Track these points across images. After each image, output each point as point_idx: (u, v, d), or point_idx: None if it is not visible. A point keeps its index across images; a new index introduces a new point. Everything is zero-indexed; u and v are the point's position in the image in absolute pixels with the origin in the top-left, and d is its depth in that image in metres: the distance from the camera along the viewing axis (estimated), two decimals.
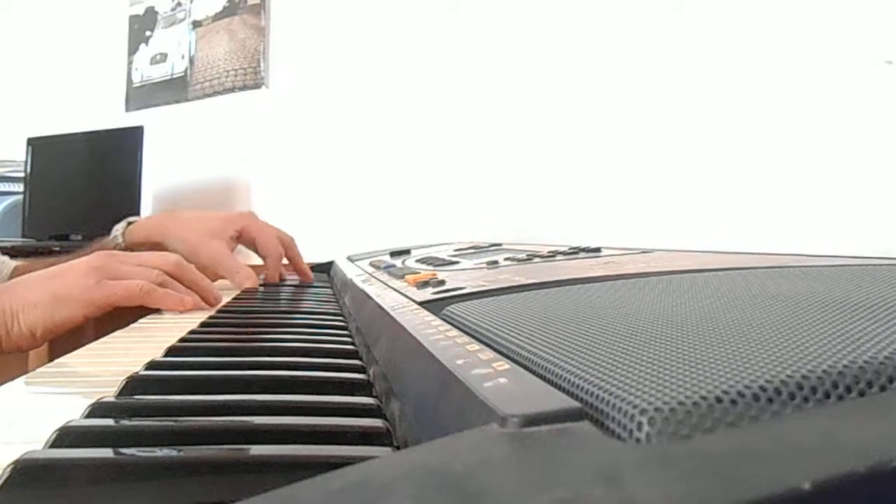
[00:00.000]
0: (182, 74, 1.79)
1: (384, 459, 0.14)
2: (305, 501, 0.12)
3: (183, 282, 0.58)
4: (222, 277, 0.75)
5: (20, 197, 1.83)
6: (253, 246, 0.79)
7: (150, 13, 1.90)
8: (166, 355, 0.35)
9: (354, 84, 1.40)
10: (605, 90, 0.99)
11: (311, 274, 0.84)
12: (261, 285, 0.76)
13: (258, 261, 0.82)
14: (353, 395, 0.28)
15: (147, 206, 1.73)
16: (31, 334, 0.49)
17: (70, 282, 0.51)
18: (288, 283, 0.82)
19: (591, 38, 1.01)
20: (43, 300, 0.49)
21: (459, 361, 0.20)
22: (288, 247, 0.81)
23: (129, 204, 1.60)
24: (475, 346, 0.22)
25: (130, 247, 0.79)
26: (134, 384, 0.28)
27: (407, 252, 0.82)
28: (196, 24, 1.77)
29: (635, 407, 0.13)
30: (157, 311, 0.58)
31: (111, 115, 1.90)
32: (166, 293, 0.54)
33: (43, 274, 0.52)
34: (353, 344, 0.39)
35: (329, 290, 0.75)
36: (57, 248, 1.50)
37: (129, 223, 0.80)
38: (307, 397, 0.27)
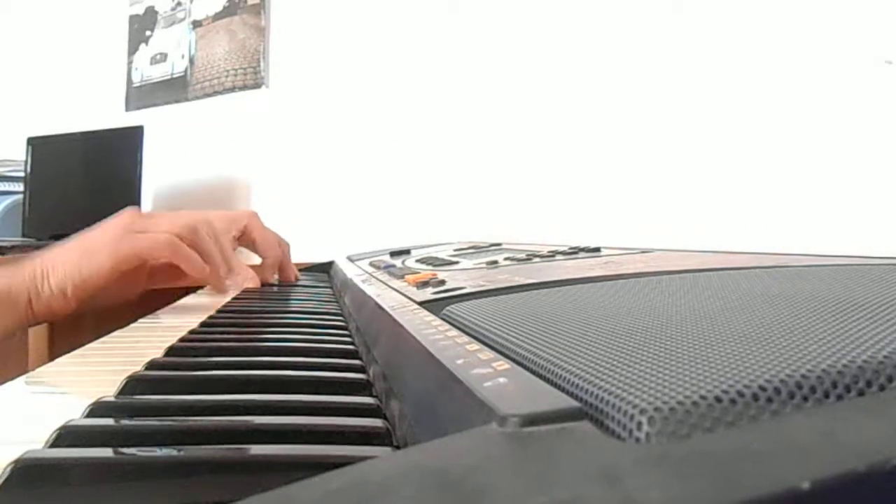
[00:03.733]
0: (182, 74, 1.79)
1: (384, 459, 0.14)
2: (305, 501, 0.12)
3: (199, 248, 0.57)
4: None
5: (20, 197, 1.83)
6: (252, 246, 0.79)
7: (150, 13, 1.90)
8: (166, 355, 0.35)
9: (354, 84, 1.40)
10: (605, 90, 0.99)
11: (297, 275, 0.84)
12: (285, 285, 0.76)
13: (257, 260, 0.82)
14: (352, 394, 0.28)
15: (147, 206, 1.73)
16: (62, 294, 0.49)
17: (97, 236, 0.51)
18: (288, 283, 0.82)
19: (592, 39, 1.01)
20: (71, 257, 0.49)
21: (459, 361, 0.20)
22: (284, 252, 0.82)
23: (129, 204, 1.59)
24: (475, 345, 0.22)
25: None
26: (134, 384, 0.28)
27: (407, 252, 0.82)
28: (196, 24, 1.77)
29: (635, 406, 0.13)
30: (164, 304, 0.58)
31: (111, 115, 1.90)
32: (191, 253, 0.53)
33: (74, 237, 0.53)
34: (352, 344, 0.39)
35: (329, 290, 0.75)
36: None
37: None
38: (307, 397, 0.27)
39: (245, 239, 0.78)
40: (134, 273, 0.53)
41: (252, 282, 0.71)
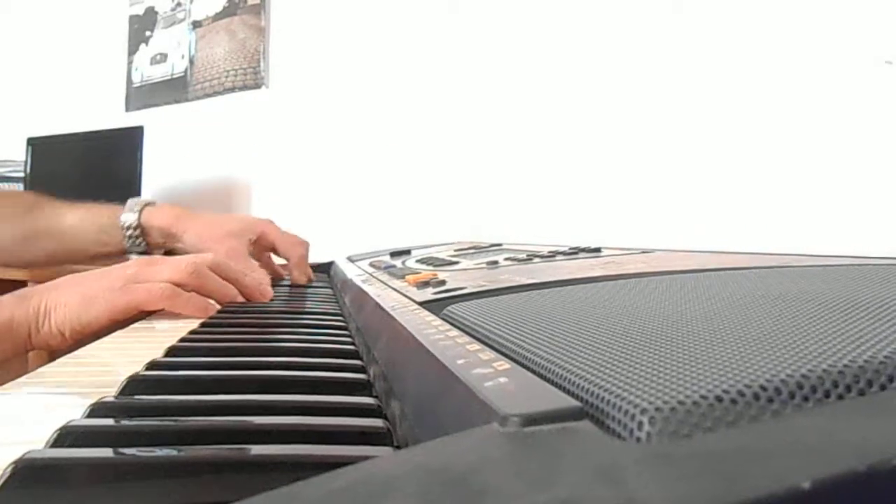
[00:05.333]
0: (182, 74, 1.79)
1: (384, 459, 0.14)
2: (306, 501, 0.12)
3: (224, 278, 0.57)
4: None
5: None
6: (273, 250, 0.80)
7: (150, 13, 1.90)
8: (166, 355, 0.35)
9: (354, 84, 1.40)
10: (605, 90, 0.99)
11: (312, 276, 0.84)
12: (285, 285, 0.76)
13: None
14: (353, 394, 0.28)
15: None
16: (60, 333, 0.50)
17: (98, 284, 0.51)
18: (288, 283, 0.82)
19: (592, 39, 1.01)
20: (73, 301, 0.50)
21: (460, 361, 0.20)
22: (304, 252, 0.82)
23: None
24: (475, 345, 0.22)
25: (144, 226, 0.79)
26: (134, 384, 0.28)
27: (407, 252, 0.82)
28: (196, 25, 1.77)
29: (636, 406, 0.13)
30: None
31: (111, 115, 1.90)
32: (190, 297, 0.53)
33: (80, 276, 0.53)
34: (353, 344, 0.39)
35: (329, 290, 0.75)
36: None
37: (148, 203, 0.80)
38: (307, 397, 0.27)
39: (263, 243, 0.78)
40: (129, 319, 0.53)
41: (269, 296, 0.71)
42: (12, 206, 0.87)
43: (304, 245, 0.82)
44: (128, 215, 0.81)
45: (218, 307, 0.56)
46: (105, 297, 0.50)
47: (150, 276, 0.53)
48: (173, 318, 0.55)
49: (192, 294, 0.53)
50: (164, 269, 0.54)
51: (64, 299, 0.50)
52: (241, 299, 0.58)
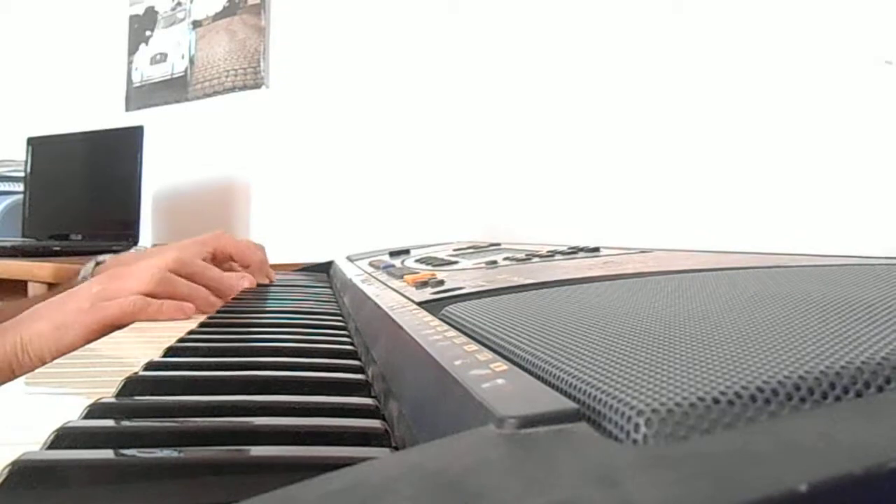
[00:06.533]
0: (182, 74, 1.79)
1: (382, 460, 0.14)
2: (304, 502, 0.12)
3: (189, 275, 0.57)
4: None
5: (20, 197, 1.84)
6: (231, 261, 0.79)
7: (150, 13, 1.90)
8: (165, 355, 0.35)
9: (354, 84, 1.40)
10: (604, 90, 0.99)
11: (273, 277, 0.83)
12: (281, 286, 0.76)
13: None
14: (351, 395, 0.28)
15: (147, 205, 1.74)
16: (41, 361, 0.50)
17: (68, 308, 0.51)
18: (287, 283, 0.82)
19: (591, 39, 1.01)
20: (46, 330, 0.50)
21: (457, 362, 0.20)
22: (263, 256, 0.81)
23: (129, 204, 1.60)
24: (473, 346, 0.22)
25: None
26: (133, 385, 0.28)
27: (406, 252, 0.82)
28: (196, 24, 1.77)
29: (632, 408, 0.13)
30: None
31: (111, 115, 1.90)
32: (162, 305, 0.53)
33: (50, 302, 0.53)
34: (351, 344, 0.39)
35: (328, 290, 0.75)
36: (57, 248, 1.51)
37: (98, 263, 0.79)
38: (306, 398, 0.27)
39: (221, 257, 0.77)
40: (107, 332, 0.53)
41: (247, 280, 0.71)
42: None
43: (261, 249, 0.81)
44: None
45: (205, 300, 0.56)
46: (77, 319, 0.50)
47: (117, 291, 0.53)
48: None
49: (163, 301, 0.53)
50: (131, 282, 0.54)
51: (37, 329, 0.50)
52: (213, 299, 0.58)
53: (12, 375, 0.50)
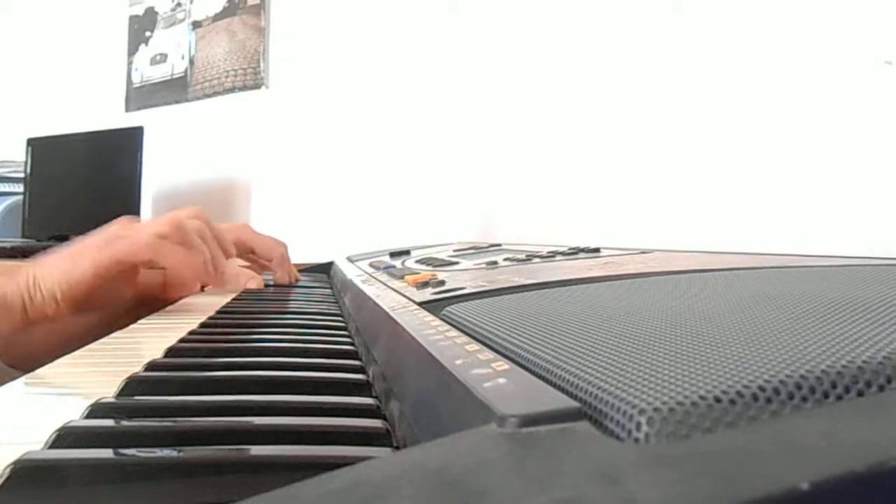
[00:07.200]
0: (182, 75, 1.79)
1: (383, 460, 0.14)
2: (305, 501, 0.12)
3: (186, 244, 0.57)
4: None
5: (20, 197, 1.84)
6: (252, 255, 0.79)
7: (150, 13, 1.90)
8: (166, 356, 0.35)
9: (354, 84, 1.40)
10: (604, 90, 0.99)
11: (297, 276, 0.84)
12: (269, 285, 0.76)
13: None
14: (352, 395, 0.28)
15: (147, 206, 1.74)
16: (53, 299, 0.51)
17: (82, 246, 0.53)
18: (288, 284, 0.82)
19: (591, 39, 1.01)
20: (58, 266, 0.51)
21: (458, 362, 0.20)
22: (284, 251, 0.82)
23: (129, 204, 1.60)
24: (474, 346, 0.22)
25: None
26: (133, 385, 0.28)
27: (406, 252, 0.82)
28: (196, 25, 1.77)
29: (634, 407, 0.13)
30: (163, 306, 0.58)
31: (111, 116, 1.90)
32: (174, 247, 0.53)
33: (63, 246, 0.55)
34: (352, 344, 0.39)
35: (329, 290, 0.75)
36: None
37: None
38: (306, 398, 0.27)
39: (241, 249, 0.77)
40: (121, 277, 0.54)
41: (254, 282, 0.71)
42: None
43: (283, 245, 0.81)
44: None
45: (204, 264, 0.56)
46: (89, 254, 0.52)
47: (132, 231, 0.54)
48: (176, 314, 0.55)
49: (175, 245, 0.54)
50: (147, 225, 0.55)
51: (52, 266, 0.52)
52: (210, 268, 0.58)
53: (24, 315, 0.51)
